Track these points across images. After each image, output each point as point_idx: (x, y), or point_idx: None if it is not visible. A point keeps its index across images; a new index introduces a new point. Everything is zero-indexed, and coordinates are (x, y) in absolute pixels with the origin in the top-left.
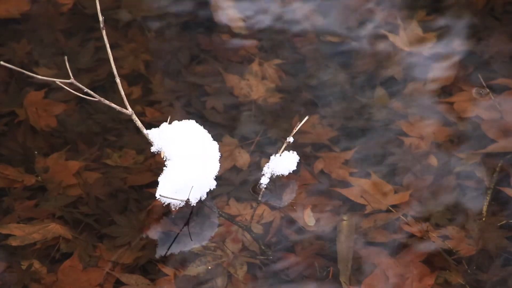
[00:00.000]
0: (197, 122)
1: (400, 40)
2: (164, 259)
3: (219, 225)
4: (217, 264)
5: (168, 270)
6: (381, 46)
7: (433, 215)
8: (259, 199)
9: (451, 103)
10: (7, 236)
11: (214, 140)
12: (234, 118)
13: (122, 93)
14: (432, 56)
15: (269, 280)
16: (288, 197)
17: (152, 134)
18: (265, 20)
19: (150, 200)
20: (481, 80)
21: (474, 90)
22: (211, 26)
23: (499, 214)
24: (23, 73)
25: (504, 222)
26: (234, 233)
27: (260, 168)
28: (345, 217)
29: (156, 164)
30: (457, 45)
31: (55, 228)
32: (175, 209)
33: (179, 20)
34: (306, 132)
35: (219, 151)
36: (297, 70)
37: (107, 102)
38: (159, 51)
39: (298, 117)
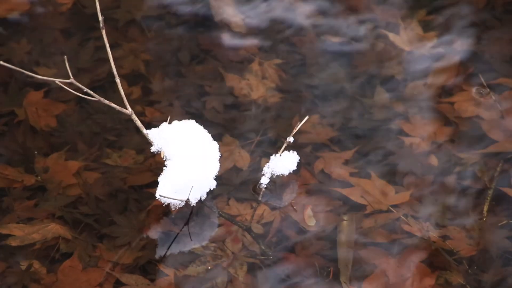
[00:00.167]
0: (197, 122)
1: (400, 39)
2: (164, 259)
3: (219, 225)
4: (217, 264)
5: (168, 270)
6: (382, 45)
7: (434, 215)
8: (259, 199)
9: (452, 103)
10: (7, 236)
11: (214, 140)
12: (234, 118)
13: (122, 93)
14: (432, 55)
15: (269, 280)
16: (288, 197)
17: (152, 134)
18: (265, 20)
19: (150, 200)
20: (482, 79)
21: (474, 90)
22: (211, 26)
23: (499, 214)
24: (23, 72)
25: (504, 222)
26: (234, 233)
27: (260, 168)
28: (345, 217)
29: (156, 164)
30: (458, 45)
31: (54, 228)
32: (175, 209)
33: (179, 20)
34: (306, 132)
35: (219, 151)
36: (297, 70)
37: (107, 102)
38: (159, 51)
39: (298, 117)
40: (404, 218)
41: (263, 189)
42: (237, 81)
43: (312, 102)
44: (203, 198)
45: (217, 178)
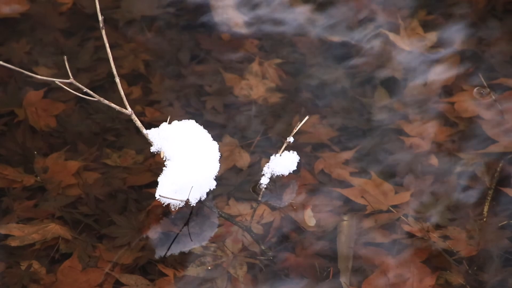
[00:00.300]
0: (197, 122)
1: (400, 39)
2: (164, 260)
3: (219, 226)
4: (217, 265)
5: (167, 270)
6: (382, 45)
7: (434, 215)
8: (259, 199)
9: (452, 103)
10: (6, 236)
11: (214, 140)
12: (234, 118)
13: (122, 92)
14: (432, 55)
15: (269, 280)
16: (288, 197)
17: (151, 134)
18: (265, 20)
19: (150, 200)
20: (482, 79)
21: (475, 90)
22: (211, 25)
23: (500, 215)
24: (23, 72)
25: (505, 222)
26: (234, 233)
27: (260, 168)
28: (345, 217)
29: (155, 164)
30: (458, 45)
31: (54, 229)
32: (175, 209)
33: (179, 20)
34: (306, 132)
35: (219, 151)
36: (297, 70)
37: (106, 102)
38: (159, 51)
39: (298, 117)
40: (404, 218)
41: (263, 189)
42: (237, 81)
43: (312, 102)
44: (203, 198)
45: (217, 178)
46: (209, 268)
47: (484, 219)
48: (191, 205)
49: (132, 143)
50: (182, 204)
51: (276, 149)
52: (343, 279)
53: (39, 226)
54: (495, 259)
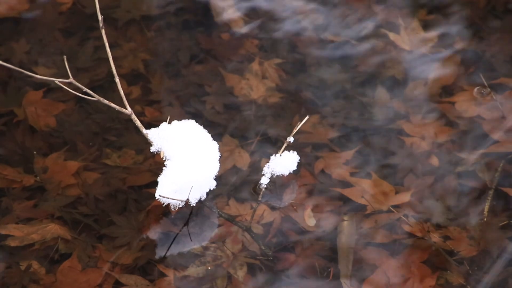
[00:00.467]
0: (197, 122)
1: (401, 39)
2: (164, 260)
3: (219, 226)
4: (217, 265)
5: (167, 270)
6: (382, 45)
7: (434, 216)
8: (259, 199)
9: (453, 103)
10: (6, 236)
11: (214, 140)
12: (234, 118)
13: (122, 92)
14: (433, 55)
15: (269, 280)
16: (288, 197)
17: (151, 134)
18: (265, 19)
19: (150, 200)
20: (483, 79)
21: (475, 90)
22: (211, 25)
23: (500, 215)
24: (22, 72)
25: (505, 222)
26: (234, 233)
27: (260, 168)
28: (345, 218)
29: (155, 164)
30: (458, 44)
31: (54, 229)
32: (175, 209)
33: (179, 20)
34: (306, 132)
35: (219, 151)
36: (297, 70)
37: (106, 101)
38: (158, 51)
39: (298, 117)
40: (405, 218)
41: (263, 189)
42: (237, 81)
43: (312, 102)
44: (203, 198)
45: (217, 178)
46: (209, 268)
47: (485, 219)
48: (191, 205)
49: (132, 143)
50: (182, 204)
51: (276, 149)
52: (344, 280)
53: (39, 226)
54: (496, 260)
